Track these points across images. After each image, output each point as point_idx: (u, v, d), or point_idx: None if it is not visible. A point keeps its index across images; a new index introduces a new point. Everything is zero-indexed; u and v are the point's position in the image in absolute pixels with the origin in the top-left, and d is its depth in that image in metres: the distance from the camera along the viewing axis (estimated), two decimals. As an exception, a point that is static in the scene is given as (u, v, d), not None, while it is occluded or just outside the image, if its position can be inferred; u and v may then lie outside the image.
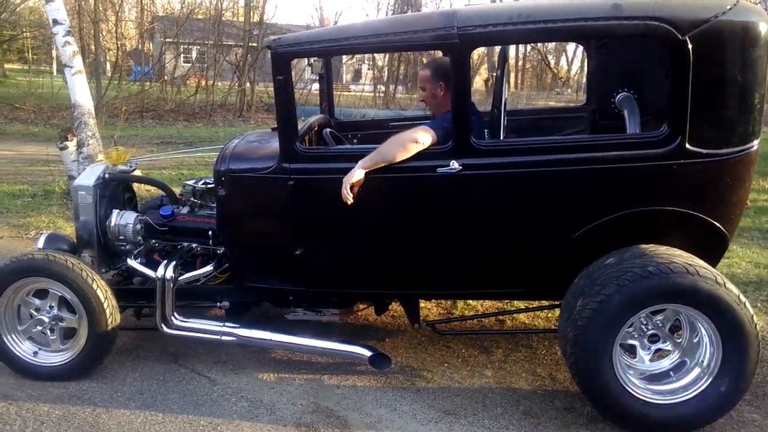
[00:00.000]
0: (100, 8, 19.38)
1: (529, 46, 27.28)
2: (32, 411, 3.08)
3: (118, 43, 21.32)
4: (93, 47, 18.89)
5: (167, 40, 21.36)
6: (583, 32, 3.21)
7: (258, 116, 18.76)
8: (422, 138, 2.98)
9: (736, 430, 2.99)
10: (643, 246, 2.94)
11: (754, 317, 2.79)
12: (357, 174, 2.98)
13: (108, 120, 14.34)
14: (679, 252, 2.89)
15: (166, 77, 20.18)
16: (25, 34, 29.36)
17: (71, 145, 6.99)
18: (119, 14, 21.20)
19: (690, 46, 2.75)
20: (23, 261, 3.22)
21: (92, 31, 18.60)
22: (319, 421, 3.04)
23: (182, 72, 21.16)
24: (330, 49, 3.34)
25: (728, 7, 2.80)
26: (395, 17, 4.74)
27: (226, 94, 19.74)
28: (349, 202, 2.97)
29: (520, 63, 33.90)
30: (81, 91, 6.99)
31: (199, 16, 22.12)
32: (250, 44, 19.63)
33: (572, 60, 33.19)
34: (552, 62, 32.74)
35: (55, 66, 31.30)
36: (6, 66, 31.71)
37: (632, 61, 3.73)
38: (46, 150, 9.65)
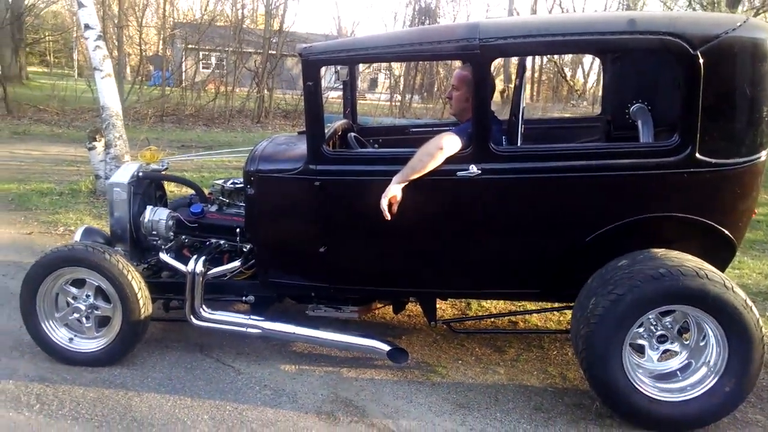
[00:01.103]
0: (124, 14, 19.77)
1: (545, 58, 27.37)
2: (68, 393, 3.26)
3: (140, 48, 21.68)
4: (116, 52, 19.25)
5: (189, 46, 21.71)
6: (599, 46, 3.36)
7: (275, 122, 19.02)
8: (448, 145, 3.11)
9: (740, 429, 3.10)
10: (655, 250, 3.06)
11: (760, 321, 2.91)
12: (393, 189, 3.11)
13: (130, 123, 14.63)
14: (689, 256, 3.01)
15: (186, 82, 20.51)
16: (47, 37, 30.00)
17: (99, 145, 7.22)
18: (141, 20, 21.56)
19: (701, 60, 2.89)
20: (64, 251, 3.41)
21: (115, 37, 18.98)
22: (339, 410, 3.19)
23: (202, 78, 21.50)
24: (357, 58, 3.49)
25: (738, 24, 2.93)
26: (420, 28, 4.90)
27: (245, 101, 20.03)
28: (388, 218, 3.10)
29: (536, 75, 34.01)
30: (110, 94, 7.23)
31: (220, 23, 22.49)
32: (270, 52, 19.92)
33: (588, 73, 33.23)
34: (568, 74, 32.81)
35: (76, 69, 31.94)
36: (28, 69, 32.29)
37: (646, 73, 3.86)
38: (74, 151, 9.98)
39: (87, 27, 7.17)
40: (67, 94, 18.71)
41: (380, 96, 24.27)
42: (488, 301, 4.51)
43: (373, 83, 32.06)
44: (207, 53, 24.72)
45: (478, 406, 3.27)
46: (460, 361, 3.75)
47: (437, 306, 3.87)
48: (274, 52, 20.04)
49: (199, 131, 16.54)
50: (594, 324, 2.93)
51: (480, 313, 4.44)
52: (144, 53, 22.12)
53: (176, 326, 3.98)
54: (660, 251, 3.04)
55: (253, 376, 3.50)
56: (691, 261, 2.95)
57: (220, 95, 19.38)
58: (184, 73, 21.13)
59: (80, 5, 7.17)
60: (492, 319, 4.27)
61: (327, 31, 32.65)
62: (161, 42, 23.39)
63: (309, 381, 3.47)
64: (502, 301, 4.48)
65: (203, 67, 24.51)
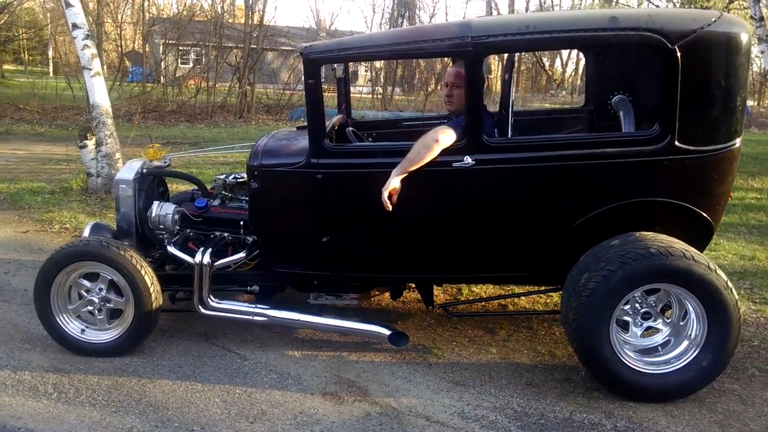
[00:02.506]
0: (102, 11, 19.65)
1: (524, 49, 27.63)
2: (83, 381, 3.40)
3: (119, 44, 21.56)
4: (96, 50, 19.10)
5: (170, 42, 21.62)
6: (584, 41, 3.56)
7: (258, 117, 19.06)
8: (444, 138, 3.28)
9: (717, 398, 3.32)
10: (645, 232, 3.27)
11: (738, 302, 3.13)
12: (393, 182, 3.27)
13: (119, 122, 14.59)
14: (676, 239, 3.22)
15: (164, 78, 20.42)
16: (22, 35, 29.59)
17: (90, 143, 7.29)
18: (120, 16, 21.44)
19: (679, 54, 3.09)
20: (79, 246, 3.54)
21: (93, 34, 18.84)
22: (342, 391, 3.36)
23: (182, 73, 21.43)
24: (356, 56, 3.65)
25: (713, 20, 3.15)
26: (416, 27, 5.06)
27: (227, 96, 20.02)
28: (389, 209, 3.26)
29: (515, 66, 34.18)
30: (99, 92, 7.30)
31: (199, 18, 22.40)
32: (251, 46, 19.92)
33: (566, 63, 33.62)
34: (546, 65, 33.16)
35: (51, 67, 31.58)
36: (3, 67, 31.87)
37: (627, 66, 4.07)
38: (59, 149, 9.98)
39: (75, 26, 7.23)
40: (47, 93, 18.58)
41: (361, 89, 24.38)
42: (478, 286, 4.71)
43: (354, 76, 32.10)
44: (186, 49, 24.63)
45: (473, 384, 3.46)
46: (454, 343, 3.94)
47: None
48: (254, 46, 20.05)
49: (182, 127, 16.55)
50: (586, 297, 3.12)
51: (471, 298, 4.64)
52: (122, 50, 22.00)
53: (181, 317, 4.12)
54: (649, 234, 3.25)
55: (258, 361, 3.66)
56: (678, 243, 3.15)
57: (202, 91, 19.35)
58: (164, 70, 21.02)
59: (67, 5, 7.22)
60: (483, 303, 4.46)
61: (306, 24, 32.60)
62: (139, 38, 23.25)
63: (312, 365, 3.64)
64: (492, 286, 4.68)
65: (182, 63, 24.41)
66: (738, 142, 3.29)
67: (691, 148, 3.20)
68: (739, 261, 5.67)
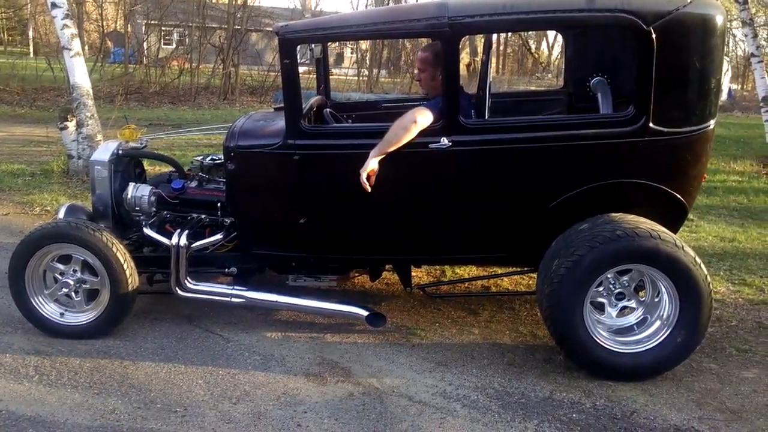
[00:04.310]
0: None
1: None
2: (65, 364, 3.39)
3: (100, 24, 21.24)
4: (76, 29, 18.83)
5: (152, 22, 21.33)
6: (561, 22, 3.55)
7: (242, 99, 18.90)
8: (421, 119, 3.28)
9: (695, 377, 3.37)
10: (613, 214, 3.30)
11: (708, 277, 3.17)
12: (371, 164, 3.28)
13: (100, 103, 14.42)
14: (644, 219, 3.25)
15: (147, 59, 20.17)
16: (1, 15, 29.06)
17: (71, 125, 7.20)
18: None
19: (654, 35, 3.10)
20: (47, 228, 3.51)
21: (75, 13, 18.55)
22: (326, 372, 3.38)
23: (165, 54, 21.17)
24: (332, 36, 3.64)
25: (689, 1, 3.15)
26: (392, 7, 5.04)
27: (210, 77, 19.83)
28: (368, 190, 3.27)
29: (501, 48, 34.18)
30: (80, 73, 7.20)
31: (182, -2, 22.10)
32: (234, 27, 19.70)
33: (553, 45, 33.60)
34: (533, 47, 33.11)
35: (32, 47, 31.04)
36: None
37: (606, 48, 4.08)
38: (39, 131, 9.82)
39: (54, 5, 7.11)
40: (27, 73, 18.30)
41: (347, 71, 24.23)
42: (462, 268, 4.73)
43: (340, 58, 31.90)
44: (169, 29, 24.30)
45: (455, 364, 3.48)
46: (437, 324, 3.96)
47: (414, 273, 4.08)
48: (238, 27, 19.83)
49: (165, 109, 16.38)
50: (557, 283, 3.16)
51: (452, 279, 4.66)
52: (103, 30, 21.69)
53: (163, 300, 4.10)
54: (617, 215, 3.28)
55: (241, 343, 3.67)
56: (645, 223, 3.19)
57: (185, 72, 19.15)
58: (146, 50, 20.74)
59: (46, -17, 7.09)
60: (466, 284, 4.48)
61: (291, 4, 32.27)
62: (121, 18, 22.91)
63: (295, 346, 3.65)
64: (474, 268, 4.70)
65: (165, 44, 24.12)
66: (712, 123, 3.32)
67: (666, 129, 3.22)
68: (719, 243, 5.74)
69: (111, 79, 18.18)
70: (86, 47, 24.76)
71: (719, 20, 3.19)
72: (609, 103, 3.73)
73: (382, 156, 3.29)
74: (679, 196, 3.36)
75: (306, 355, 3.56)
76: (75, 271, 3.57)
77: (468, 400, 3.13)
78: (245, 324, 3.91)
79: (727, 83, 26.40)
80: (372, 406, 3.06)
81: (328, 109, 4.03)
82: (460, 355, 3.58)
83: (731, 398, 3.18)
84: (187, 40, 21.62)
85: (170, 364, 3.42)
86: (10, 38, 37.66)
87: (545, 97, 4.76)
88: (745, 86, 33.15)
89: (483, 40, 4.38)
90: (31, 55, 27.88)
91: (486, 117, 3.68)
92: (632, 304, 3.38)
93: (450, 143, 3.29)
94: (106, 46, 22.38)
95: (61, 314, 3.62)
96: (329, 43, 5.01)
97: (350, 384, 3.27)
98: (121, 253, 3.50)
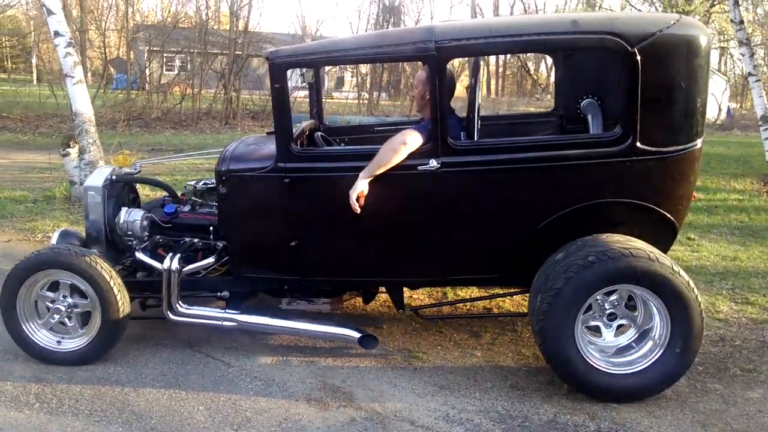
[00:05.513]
0: (85, 18, 19.59)
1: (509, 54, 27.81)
2: (66, 391, 3.37)
3: (104, 51, 21.48)
4: (79, 57, 19.05)
5: (154, 49, 21.57)
6: (546, 45, 3.59)
7: (244, 123, 19.04)
8: (411, 141, 3.30)
9: (700, 398, 3.34)
10: (586, 237, 3.28)
11: (691, 282, 3.13)
12: (360, 185, 3.30)
13: (103, 129, 14.54)
14: (616, 237, 3.23)
15: (149, 85, 20.36)
16: (5, 42, 29.42)
17: (73, 151, 7.27)
18: (104, 23, 21.38)
19: (638, 57, 3.13)
20: (31, 259, 3.52)
21: (78, 41, 18.79)
22: (328, 396, 3.35)
23: (167, 80, 21.38)
24: (322, 60, 3.67)
25: (672, 23, 3.20)
26: (381, 32, 5.08)
27: (212, 102, 19.99)
28: (357, 211, 3.28)
29: (500, 70, 34.44)
30: (82, 100, 7.27)
31: (184, 25, 22.37)
32: (236, 52, 19.91)
33: (551, 66, 33.80)
34: (532, 69, 33.36)
35: (35, 75, 31.36)
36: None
37: (596, 70, 4.11)
38: (42, 158, 9.87)
39: (57, 34, 7.19)
40: (30, 101, 18.47)
41: (348, 95, 24.42)
42: (463, 289, 4.69)
43: (340, 82, 32.17)
44: (171, 56, 24.57)
45: (458, 387, 3.46)
46: (439, 347, 3.94)
47: (412, 295, 4.06)
48: (240, 52, 20.04)
49: (167, 134, 16.50)
50: (542, 320, 3.17)
51: (452, 300, 4.61)
52: (106, 57, 21.93)
53: (164, 325, 4.05)
54: (589, 238, 3.26)
55: (243, 368, 3.65)
56: (617, 242, 3.17)
57: (187, 98, 19.31)
58: (148, 77, 20.95)
59: (49, 12, 7.19)
60: (468, 306, 4.44)
61: (291, 30, 32.66)
62: (124, 45, 23.17)
63: (297, 371, 3.62)
64: (476, 289, 4.67)
65: (167, 70, 24.36)
66: (699, 143, 3.33)
67: (653, 149, 3.24)
68: (721, 262, 5.73)
69: (113, 105, 18.31)
70: (89, 74, 25.07)
71: (703, 41, 3.22)
72: (599, 125, 3.76)
73: (372, 178, 3.31)
74: (668, 214, 3.36)
75: (308, 379, 3.54)
76: (65, 297, 3.57)
77: (471, 424, 3.11)
78: (246, 349, 3.89)
79: (726, 102, 26.50)
80: (374, 431, 3.04)
81: (319, 133, 4.06)
82: (463, 378, 3.56)
83: (736, 419, 3.15)
84: (188, 65, 21.84)
85: (171, 390, 3.41)
86: (14, 65, 38.07)
87: (537, 119, 4.79)
88: (743, 105, 33.28)
89: (470, 63, 4.42)
90: (35, 82, 28.22)
91: (475, 138, 3.69)
92: (625, 321, 3.35)
93: (439, 165, 3.31)
94: (108, 73, 22.59)
95: (58, 342, 3.62)
96: (326, 68, 5.06)
97: (352, 409, 3.25)
98: (105, 271, 3.48)
